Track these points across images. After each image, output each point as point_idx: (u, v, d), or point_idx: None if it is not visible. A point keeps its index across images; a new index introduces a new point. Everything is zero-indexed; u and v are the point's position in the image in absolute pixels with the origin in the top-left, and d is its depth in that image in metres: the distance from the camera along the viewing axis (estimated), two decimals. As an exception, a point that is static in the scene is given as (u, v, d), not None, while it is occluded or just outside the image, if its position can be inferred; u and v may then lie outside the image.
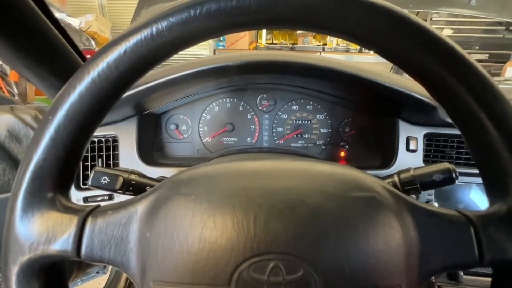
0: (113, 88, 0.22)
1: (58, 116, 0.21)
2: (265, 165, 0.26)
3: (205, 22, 0.20)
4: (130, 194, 0.37)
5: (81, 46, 2.31)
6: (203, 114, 0.65)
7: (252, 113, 0.66)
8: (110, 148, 0.56)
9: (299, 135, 0.67)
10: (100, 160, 0.55)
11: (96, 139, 0.55)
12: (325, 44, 3.50)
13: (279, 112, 0.66)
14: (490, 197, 0.23)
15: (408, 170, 0.37)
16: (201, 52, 3.48)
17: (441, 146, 0.58)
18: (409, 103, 0.51)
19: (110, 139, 0.56)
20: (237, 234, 0.20)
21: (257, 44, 3.59)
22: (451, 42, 0.21)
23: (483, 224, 0.22)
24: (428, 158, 0.58)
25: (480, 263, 0.21)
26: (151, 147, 0.62)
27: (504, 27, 3.05)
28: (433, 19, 3.17)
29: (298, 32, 3.58)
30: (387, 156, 0.58)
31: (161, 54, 0.22)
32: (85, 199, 0.54)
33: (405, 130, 0.57)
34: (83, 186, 0.55)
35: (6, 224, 0.22)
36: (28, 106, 0.69)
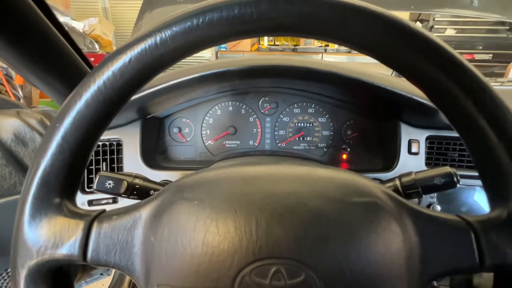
0: (118, 95, 0.22)
1: (65, 123, 0.22)
2: (267, 170, 0.26)
3: (207, 31, 0.21)
4: (134, 198, 0.37)
5: (85, 49, 2.34)
6: (206, 118, 0.66)
7: (254, 116, 0.66)
8: (114, 151, 0.56)
9: (301, 138, 0.67)
10: (104, 163, 0.56)
11: (100, 143, 0.56)
12: (327, 45, 3.50)
13: (281, 115, 0.66)
14: (491, 201, 0.24)
15: (409, 173, 0.37)
16: (204, 54, 3.50)
17: (443, 149, 0.57)
18: (410, 106, 0.51)
19: (114, 143, 0.56)
20: (240, 239, 0.21)
21: (259, 45, 3.60)
22: (450, 48, 0.21)
23: (483, 229, 0.22)
24: (430, 161, 0.58)
25: (481, 267, 0.21)
26: (155, 150, 0.63)
27: (508, 27, 3.02)
28: (436, 19, 3.16)
29: (300, 33, 3.57)
30: (389, 159, 0.58)
31: (165, 62, 0.22)
32: (90, 202, 0.55)
33: (407, 133, 0.56)
34: (87, 190, 0.55)
35: (15, 228, 0.22)
36: (33, 110, 0.70)
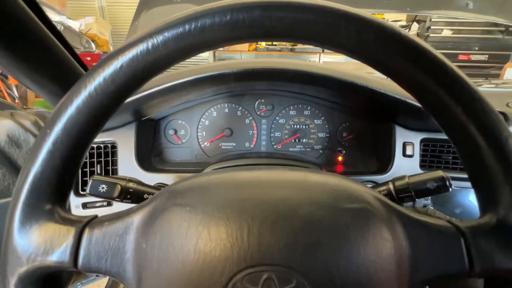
0: (110, 101, 0.22)
1: (56, 129, 0.22)
2: (259, 176, 0.26)
3: (199, 37, 0.21)
4: (128, 202, 0.37)
5: (81, 49, 2.32)
6: (202, 119, 0.65)
7: (250, 118, 0.66)
8: (109, 154, 0.56)
9: (297, 140, 0.67)
10: (98, 166, 0.56)
11: (94, 145, 0.56)
12: (324, 46, 3.50)
13: (277, 117, 0.66)
14: (481, 207, 0.24)
15: (403, 177, 0.37)
16: (201, 54, 3.49)
17: (437, 151, 0.58)
18: (405, 109, 0.51)
19: (109, 145, 0.56)
20: (231, 246, 0.21)
21: (257, 45, 3.59)
22: (440, 56, 0.21)
23: (473, 234, 0.22)
24: (425, 164, 0.58)
25: (470, 273, 0.22)
26: (150, 153, 0.62)
27: (503, 29, 3.05)
28: (433, 20, 3.18)
29: (298, 33, 3.58)
30: (384, 161, 0.58)
31: (157, 68, 0.22)
32: (84, 205, 0.55)
33: (401, 135, 0.57)
34: (82, 192, 0.55)
35: (5, 235, 0.22)
36: (28, 112, 0.70)
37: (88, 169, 0.55)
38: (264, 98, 0.65)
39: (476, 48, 3.17)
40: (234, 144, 0.67)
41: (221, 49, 3.54)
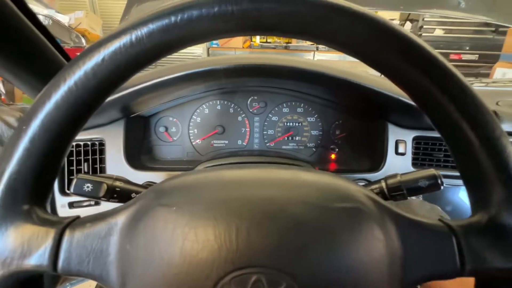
0: (91, 96, 0.21)
1: (33, 126, 0.21)
2: (248, 175, 0.25)
3: (186, 29, 0.20)
4: (115, 201, 0.36)
5: (70, 44, 2.26)
6: (193, 116, 0.64)
7: (242, 115, 0.65)
8: (96, 152, 0.55)
9: (290, 138, 0.66)
10: (86, 164, 0.54)
11: (82, 143, 0.54)
12: (319, 44, 3.51)
13: (269, 115, 0.66)
14: (473, 206, 0.24)
15: (395, 176, 0.37)
16: (195, 51, 3.45)
17: (429, 149, 0.58)
18: (397, 107, 0.51)
19: (97, 142, 0.55)
20: (219, 247, 0.20)
21: (251, 42, 3.58)
22: (433, 51, 0.21)
23: (464, 233, 0.22)
24: (417, 161, 0.58)
25: (462, 272, 0.21)
26: (139, 150, 0.61)
27: (493, 29, 3.11)
28: (425, 19, 3.22)
29: (292, 31, 3.57)
30: (377, 159, 0.58)
31: (142, 62, 0.21)
32: (71, 205, 0.53)
33: (394, 133, 0.57)
34: (68, 191, 0.53)
35: None
36: (12, 108, 0.67)
37: (75, 167, 0.53)
38: (257, 95, 0.64)
39: (467, 48, 3.22)
40: (226, 142, 0.66)
41: (215, 46, 3.51)
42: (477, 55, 3.21)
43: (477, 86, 0.92)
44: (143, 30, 0.20)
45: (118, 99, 0.47)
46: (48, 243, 0.21)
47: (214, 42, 3.50)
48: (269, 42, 3.64)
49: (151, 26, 0.20)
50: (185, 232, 0.20)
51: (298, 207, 0.22)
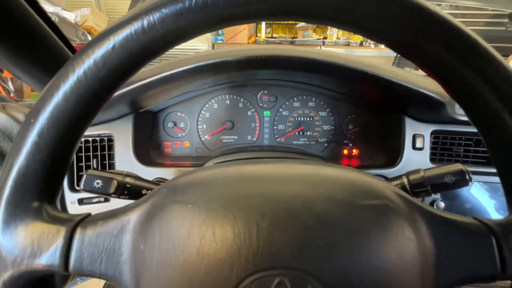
0: (102, 87, 0.20)
1: (41, 119, 0.19)
2: (267, 170, 0.24)
3: (201, 14, 0.18)
4: (125, 198, 0.35)
5: (77, 41, 2.27)
6: (202, 111, 0.63)
7: (252, 110, 0.64)
8: (105, 147, 0.54)
9: (301, 133, 0.65)
10: (95, 160, 0.53)
11: (90, 139, 0.54)
12: (325, 38, 3.46)
13: (280, 109, 0.64)
14: (511, 204, 0.22)
15: (418, 171, 0.35)
16: (200, 46, 3.43)
17: (448, 144, 0.56)
18: (416, 99, 0.49)
19: (105, 138, 0.54)
20: (239, 247, 0.18)
21: (257, 38, 3.54)
22: (473, 34, 0.19)
23: (504, 233, 0.20)
24: (435, 157, 0.56)
25: (503, 275, 0.20)
26: (148, 146, 0.60)
27: (507, 20, 3.00)
28: (435, 11, 3.13)
29: (298, 25, 3.53)
30: (392, 154, 0.56)
31: (154, 49, 0.20)
32: (80, 201, 0.52)
33: (411, 127, 0.55)
34: (77, 188, 0.53)
35: None
36: (20, 104, 0.67)
37: (83, 163, 0.53)
38: (267, 89, 0.63)
39: (479, 40, 3.13)
40: (235, 137, 0.65)
41: (220, 41, 3.49)
42: (492, 48, 3.11)
43: None
44: (156, 16, 0.18)
45: (126, 93, 0.46)
46: (59, 242, 0.20)
47: (219, 38, 3.48)
48: (275, 37, 3.60)
49: (164, 11, 0.18)
50: (202, 231, 0.19)
51: (323, 204, 0.20)
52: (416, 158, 0.54)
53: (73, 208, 0.52)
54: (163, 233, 0.20)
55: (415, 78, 0.49)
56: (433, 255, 0.20)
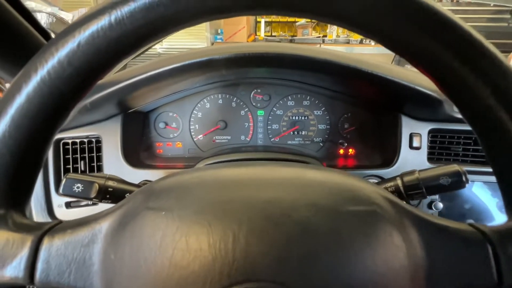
0: (69, 87, 0.19)
1: (2, 122, 0.18)
2: (247, 173, 0.23)
3: (173, 8, 0.17)
4: (107, 202, 0.34)
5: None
6: (194, 111, 0.62)
7: (245, 110, 0.62)
8: (93, 149, 0.53)
9: (296, 132, 0.63)
10: (82, 162, 0.52)
11: (78, 140, 0.52)
12: (325, 36, 3.44)
13: (274, 108, 0.63)
14: (509, 209, 0.20)
15: (412, 172, 0.34)
16: (199, 46, 3.42)
17: (446, 143, 0.54)
18: (413, 97, 0.48)
19: (93, 139, 0.53)
20: (213, 258, 0.17)
21: (256, 36, 3.53)
22: (467, 27, 0.17)
23: (501, 240, 0.19)
24: (433, 156, 0.54)
25: (499, 286, 0.18)
26: (138, 147, 0.59)
27: (509, 16, 2.97)
28: (436, 8, 3.10)
29: (298, 23, 3.51)
30: (389, 154, 0.55)
31: (125, 46, 0.18)
32: (68, 204, 0.51)
33: (408, 126, 0.53)
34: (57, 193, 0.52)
35: None
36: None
37: (71, 166, 0.52)
38: (260, 87, 0.61)
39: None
40: (229, 138, 0.63)
41: (219, 40, 3.47)
42: (488, 41, 3.09)
43: None
44: (124, 10, 0.17)
45: (113, 93, 0.45)
46: (24, 252, 0.19)
47: (218, 37, 3.46)
48: (274, 36, 3.58)
49: (133, 5, 0.17)
50: (175, 240, 0.18)
51: (305, 210, 0.19)
52: (413, 158, 0.53)
53: (60, 211, 0.51)
54: (134, 243, 0.19)
55: (412, 75, 0.47)
56: (425, 265, 0.19)
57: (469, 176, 0.51)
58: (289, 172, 0.23)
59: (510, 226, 0.20)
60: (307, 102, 0.62)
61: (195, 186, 0.21)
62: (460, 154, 0.54)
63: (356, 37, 3.27)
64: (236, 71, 0.53)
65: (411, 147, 0.53)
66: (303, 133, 0.63)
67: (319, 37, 3.45)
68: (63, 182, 0.32)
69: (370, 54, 2.97)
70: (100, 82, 0.22)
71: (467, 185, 0.31)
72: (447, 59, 0.18)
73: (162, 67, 0.44)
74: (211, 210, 0.19)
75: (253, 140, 0.64)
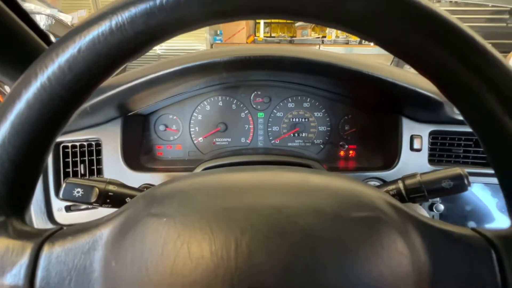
0: (69, 93, 0.18)
1: (2, 128, 0.18)
2: (250, 179, 0.22)
3: (174, 13, 0.17)
4: (107, 207, 0.34)
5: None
6: (194, 114, 0.62)
7: (246, 112, 0.62)
8: (93, 152, 0.52)
9: (296, 134, 0.63)
10: (82, 166, 0.52)
11: (78, 144, 0.52)
12: (324, 37, 3.44)
13: (274, 110, 0.62)
14: None
15: (414, 175, 0.34)
16: (198, 47, 3.42)
17: (447, 144, 0.54)
18: (414, 99, 0.47)
19: (93, 143, 0.52)
20: (215, 266, 0.17)
21: (255, 37, 3.53)
22: (469, 30, 0.17)
23: (505, 246, 0.19)
24: (434, 158, 0.54)
25: None
26: (138, 150, 0.59)
27: (507, 16, 2.98)
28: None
29: (297, 24, 3.52)
30: (390, 156, 0.55)
31: (125, 52, 0.18)
32: (68, 208, 0.51)
33: (409, 128, 0.53)
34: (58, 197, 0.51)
35: None
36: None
37: (71, 169, 0.51)
38: (260, 90, 0.61)
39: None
40: (229, 140, 0.63)
41: (218, 42, 3.47)
42: (490, 44, 3.09)
43: None
44: (124, 15, 0.17)
45: (113, 96, 0.45)
46: (24, 260, 0.19)
47: (218, 38, 3.46)
48: (273, 37, 3.58)
49: (133, 10, 0.17)
50: (176, 248, 0.18)
51: (309, 217, 0.19)
52: (414, 160, 0.53)
53: (60, 215, 0.51)
54: (136, 250, 0.18)
55: (412, 77, 0.47)
56: (429, 271, 0.19)
57: (470, 178, 0.52)
58: (291, 178, 0.22)
59: None
60: (308, 104, 0.62)
61: (197, 192, 0.21)
62: (461, 156, 0.54)
63: (355, 37, 3.28)
64: (237, 73, 0.53)
65: (412, 149, 0.53)
66: (304, 135, 0.63)
67: (318, 37, 3.45)
68: (63, 186, 0.32)
69: (369, 55, 2.98)
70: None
71: (469, 188, 0.31)
72: (450, 64, 0.18)
73: (162, 70, 0.44)
74: (213, 217, 0.19)
75: (253, 143, 0.63)
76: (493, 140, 0.19)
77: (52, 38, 0.44)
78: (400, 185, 0.34)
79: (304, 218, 0.18)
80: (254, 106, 0.62)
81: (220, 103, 0.61)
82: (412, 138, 0.52)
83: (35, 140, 0.19)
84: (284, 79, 0.58)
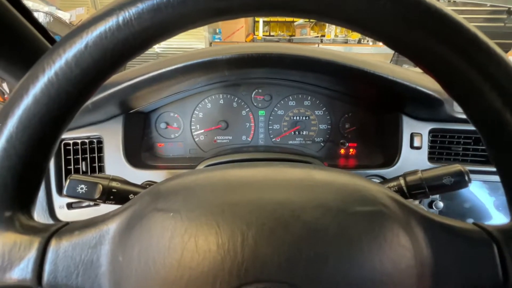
0: (76, 88, 0.19)
1: (10, 123, 0.18)
2: (254, 174, 0.23)
3: (181, 9, 0.17)
4: (111, 203, 0.34)
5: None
6: (195, 111, 0.62)
7: (246, 110, 0.62)
8: (94, 150, 0.52)
9: (297, 132, 0.63)
10: (83, 163, 0.52)
11: (79, 141, 0.52)
12: (323, 36, 3.44)
13: (275, 108, 0.63)
14: None
15: (415, 172, 0.34)
16: (197, 45, 3.41)
17: (447, 142, 0.55)
18: (414, 97, 0.48)
19: (95, 140, 0.52)
20: (222, 259, 0.17)
21: (254, 36, 3.52)
22: (473, 28, 0.18)
23: (507, 240, 0.19)
24: (433, 156, 0.55)
25: (505, 286, 0.19)
26: (139, 148, 0.59)
27: (505, 16, 2.99)
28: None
29: (296, 23, 3.51)
30: (390, 153, 0.55)
31: (131, 48, 0.18)
32: (69, 205, 0.51)
33: (409, 126, 0.53)
34: (61, 194, 0.51)
35: None
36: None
37: (72, 167, 0.51)
38: (261, 88, 0.61)
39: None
40: (230, 138, 0.63)
41: (217, 40, 3.47)
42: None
43: None
44: (131, 11, 0.17)
45: (114, 94, 0.45)
46: (31, 254, 0.19)
47: (217, 36, 3.45)
48: (272, 36, 3.58)
49: (140, 6, 0.17)
50: (184, 241, 0.18)
51: (312, 212, 0.19)
52: (414, 157, 0.53)
53: (62, 212, 0.51)
54: (143, 244, 0.19)
55: (413, 75, 0.47)
56: (431, 265, 0.19)
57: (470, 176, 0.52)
58: (296, 173, 0.23)
59: None
60: (308, 102, 0.62)
61: (202, 187, 0.21)
62: (460, 154, 0.55)
63: (354, 36, 3.28)
64: (238, 71, 0.54)
65: (412, 146, 0.53)
66: (304, 133, 0.64)
67: (317, 36, 3.45)
68: (66, 183, 0.32)
69: (369, 54, 2.98)
70: None
71: (469, 185, 0.31)
72: (454, 62, 0.18)
73: (164, 67, 0.44)
74: (219, 211, 0.19)
75: (254, 140, 0.64)
76: (496, 136, 0.20)
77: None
78: (402, 181, 0.34)
79: (308, 212, 0.19)
80: (255, 104, 0.62)
81: (221, 101, 0.62)
82: (412, 136, 0.53)
83: (42, 135, 0.19)
84: (285, 77, 0.58)
